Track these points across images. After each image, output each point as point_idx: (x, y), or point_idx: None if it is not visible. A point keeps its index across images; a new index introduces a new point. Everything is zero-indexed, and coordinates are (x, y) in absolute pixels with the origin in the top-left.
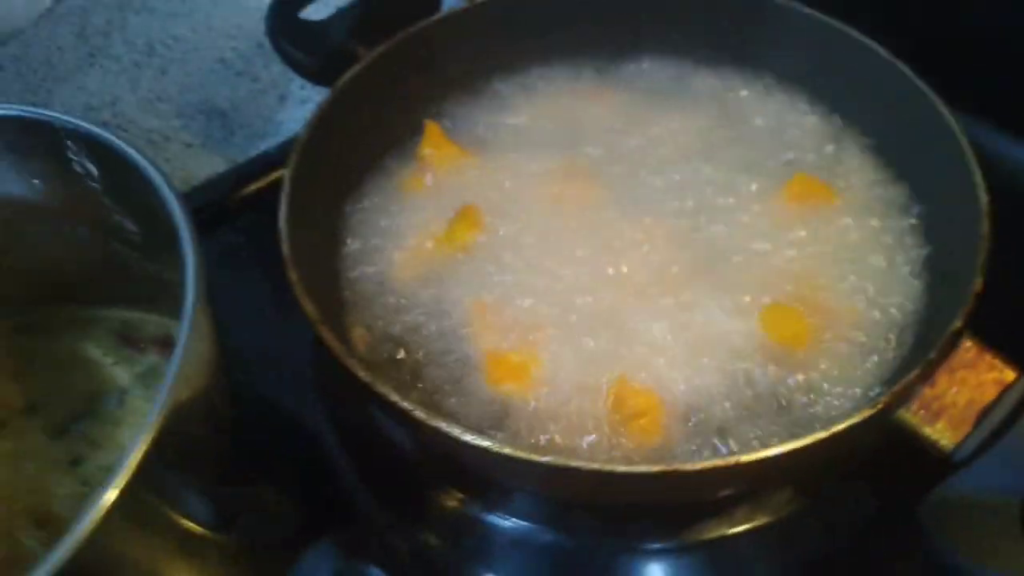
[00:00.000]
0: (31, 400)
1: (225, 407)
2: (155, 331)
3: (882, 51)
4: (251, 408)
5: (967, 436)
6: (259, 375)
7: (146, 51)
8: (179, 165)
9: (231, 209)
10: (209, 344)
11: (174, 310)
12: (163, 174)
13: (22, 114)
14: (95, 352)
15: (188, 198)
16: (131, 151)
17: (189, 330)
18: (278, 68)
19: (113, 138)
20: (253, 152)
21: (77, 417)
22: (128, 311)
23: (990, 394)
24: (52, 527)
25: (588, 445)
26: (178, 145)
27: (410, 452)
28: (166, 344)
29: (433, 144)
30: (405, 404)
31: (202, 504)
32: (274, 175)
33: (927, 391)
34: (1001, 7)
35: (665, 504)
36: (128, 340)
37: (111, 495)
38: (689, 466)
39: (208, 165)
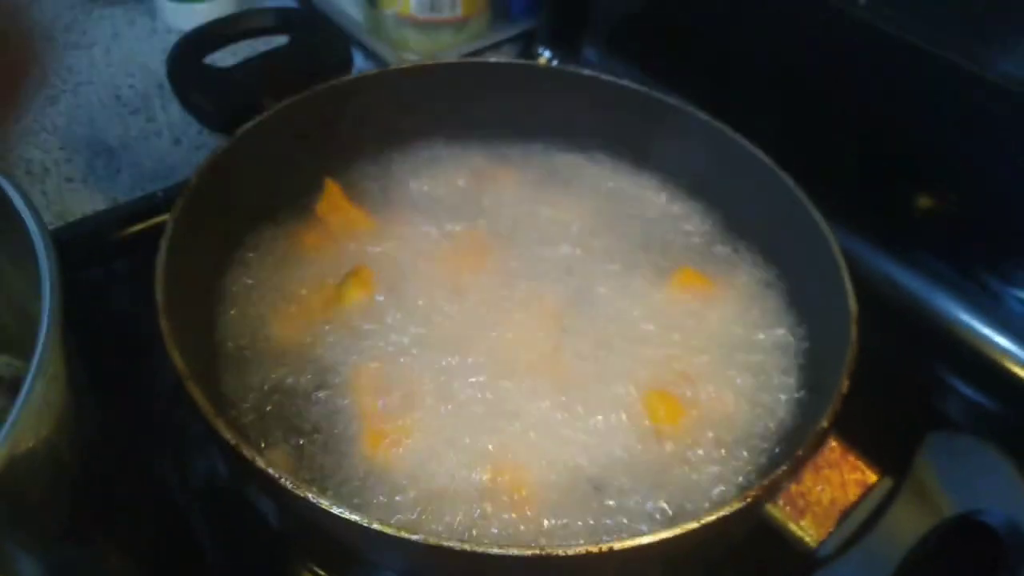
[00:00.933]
0: None
1: (73, 458)
2: (4, 372)
3: (767, 160)
4: (102, 460)
5: (830, 534)
6: (116, 426)
7: (39, 80)
8: (56, 199)
9: (106, 249)
10: (61, 386)
11: (26, 350)
12: (25, 196)
13: None
14: None
15: (58, 232)
16: None
17: (39, 369)
18: (176, 111)
19: None
20: (139, 193)
21: None
22: None
23: (853, 494)
24: None
25: (463, 520)
26: (57, 179)
27: (272, 522)
28: (14, 388)
29: (332, 203)
30: (271, 471)
31: (34, 564)
32: (158, 219)
33: (794, 488)
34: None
35: None
36: None
37: None
38: (562, 551)
39: (88, 202)
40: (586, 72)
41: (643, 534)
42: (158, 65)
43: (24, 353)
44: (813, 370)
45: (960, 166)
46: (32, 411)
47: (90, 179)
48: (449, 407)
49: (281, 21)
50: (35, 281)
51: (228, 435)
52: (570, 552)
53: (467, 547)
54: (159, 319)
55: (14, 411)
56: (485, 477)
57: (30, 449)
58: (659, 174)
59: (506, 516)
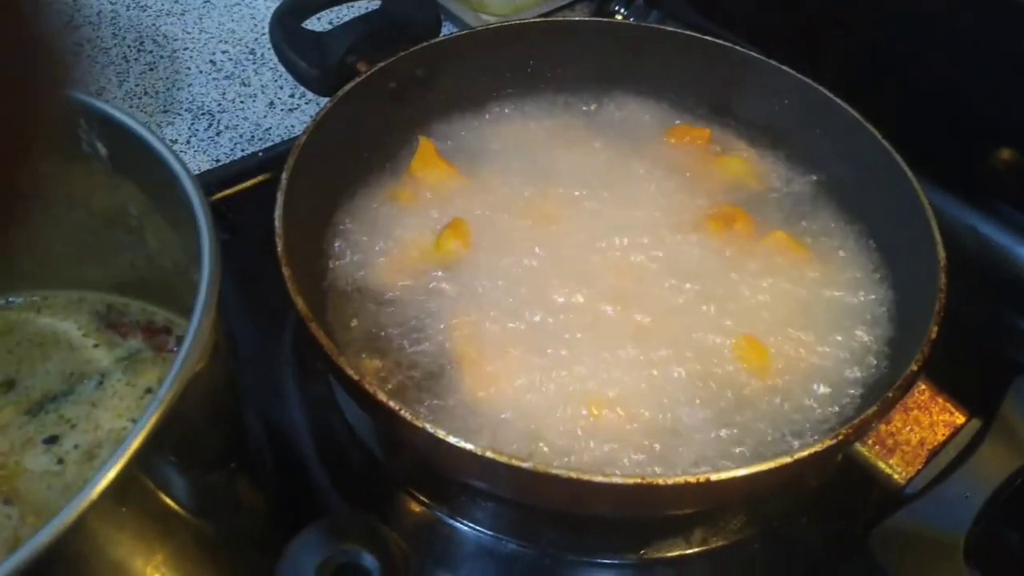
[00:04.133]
0: (8, 376)
1: (219, 389)
2: (139, 316)
3: (854, 113)
4: (236, 393)
5: (918, 472)
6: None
7: (135, 46)
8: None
9: (215, 207)
10: (216, 328)
11: (161, 296)
12: (180, 161)
13: None
14: (77, 334)
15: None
16: (151, 136)
17: (203, 312)
18: (268, 75)
19: (133, 121)
20: (239, 154)
21: (55, 396)
22: (113, 295)
23: (941, 435)
24: (19, 504)
25: (562, 453)
26: None
27: (381, 455)
28: (149, 330)
29: (426, 160)
30: (392, 403)
31: (187, 489)
32: (260, 177)
33: (883, 428)
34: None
35: (633, 517)
36: (112, 324)
37: (110, 475)
38: (662, 480)
39: (192, 163)
40: (667, 28)
41: (737, 467)
42: (247, 31)
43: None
44: (903, 319)
45: None
46: (199, 344)
47: (193, 141)
48: (544, 349)
49: None
50: (172, 231)
51: (350, 371)
52: (669, 481)
53: (574, 475)
54: (281, 267)
55: (183, 348)
56: (582, 412)
57: (192, 380)
58: (744, 130)
59: (604, 448)
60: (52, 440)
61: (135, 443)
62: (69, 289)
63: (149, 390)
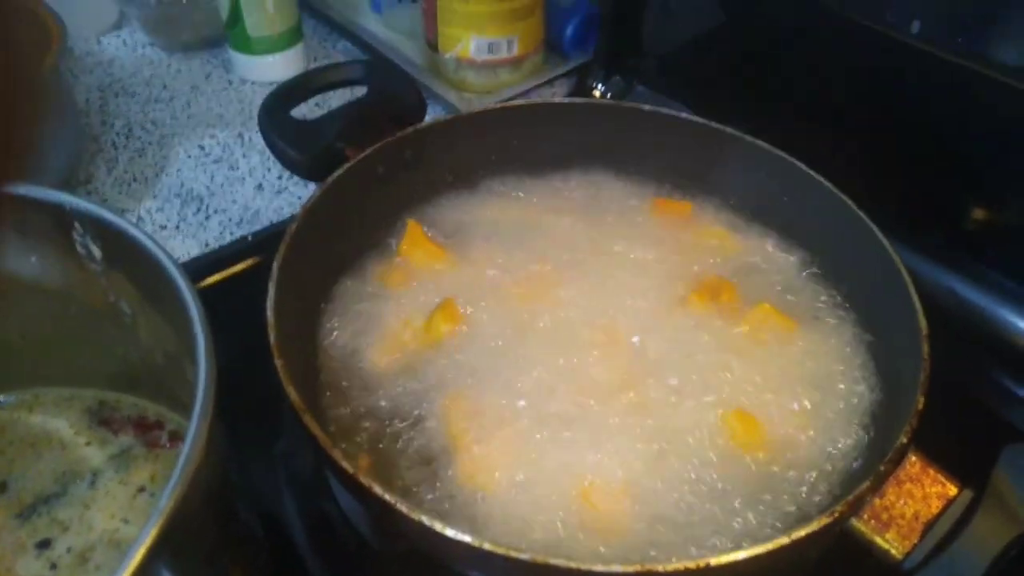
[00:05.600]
0: (1, 477)
1: (222, 490)
2: (131, 412)
3: (826, 183)
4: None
5: (915, 546)
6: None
7: (124, 132)
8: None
9: (204, 293)
10: (214, 424)
11: (152, 390)
12: (176, 264)
13: (35, 195)
14: (69, 432)
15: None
16: (145, 238)
17: (202, 411)
18: (256, 158)
19: (127, 224)
20: (228, 238)
21: (47, 498)
22: (104, 390)
23: (935, 507)
24: None
25: (559, 541)
26: (152, 227)
27: (377, 544)
28: (141, 425)
29: (413, 242)
30: (388, 497)
31: None
32: (250, 261)
33: (878, 502)
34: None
35: None
36: (103, 420)
37: None
38: (662, 567)
39: (182, 248)
40: (647, 107)
41: (736, 550)
42: (234, 115)
43: (148, 394)
44: (890, 387)
45: (1018, 183)
46: (197, 448)
47: (182, 226)
48: (537, 432)
49: (362, 73)
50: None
51: (344, 463)
52: (669, 568)
53: (573, 565)
54: (274, 358)
55: (185, 449)
56: (577, 498)
57: (191, 481)
58: (725, 203)
59: (596, 534)
60: (44, 544)
61: (136, 559)
62: (61, 386)
63: (142, 488)
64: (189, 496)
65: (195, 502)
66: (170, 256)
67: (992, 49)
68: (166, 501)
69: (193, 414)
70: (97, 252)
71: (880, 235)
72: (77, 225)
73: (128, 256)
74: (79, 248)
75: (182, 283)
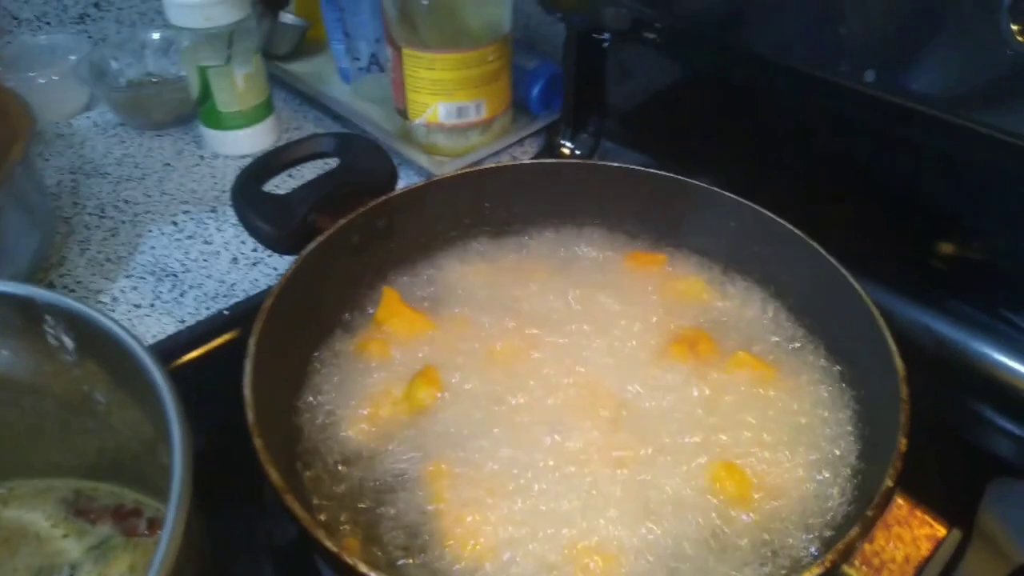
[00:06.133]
0: None
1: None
2: (108, 500)
3: (796, 231)
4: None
5: None
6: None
7: (97, 213)
8: (127, 326)
9: (182, 370)
10: (192, 511)
11: (129, 477)
12: (146, 350)
13: (4, 289)
14: (45, 524)
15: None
16: (115, 327)
17: (179, 500)
18: (230, 231)
19: (96, 314)
20: (204, 313)
21: None
22: (80, 480)
23: (925, 549)
24: None
25: None
26: (126, 307)
27: None
28: (119, 514)
29: (391, 310)
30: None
31: None
32: (228, 336)
33: (868, 547)
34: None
35: None
36: (80, 511)
37: None
38: None
39: (157, 326)
40: (614, 164)
41: None
42: (207, 190)
43: (126, 481)
44: (872, 428)
45: (982, 217)
46: (174, 544)
47: (157, 304)
48: (523, 497)
49: (333, 145)
50: (140, 415)
51: (329, 544)
52: None
53: None
54: (253, 438)
55: (162, 545)
56: (566, 559)
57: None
58: (697, 253)
59: None
60: None
61: None
62: (36, 477)
63: None
64: None
65: None
66: (141, 342)
67: (946, 95)
68: None
69: (170, 504)
70: (69, 343)
71: (851, 278)
72: (48, 318)
73: (99, 344)
74: (51, 340)
75: (154, 369)
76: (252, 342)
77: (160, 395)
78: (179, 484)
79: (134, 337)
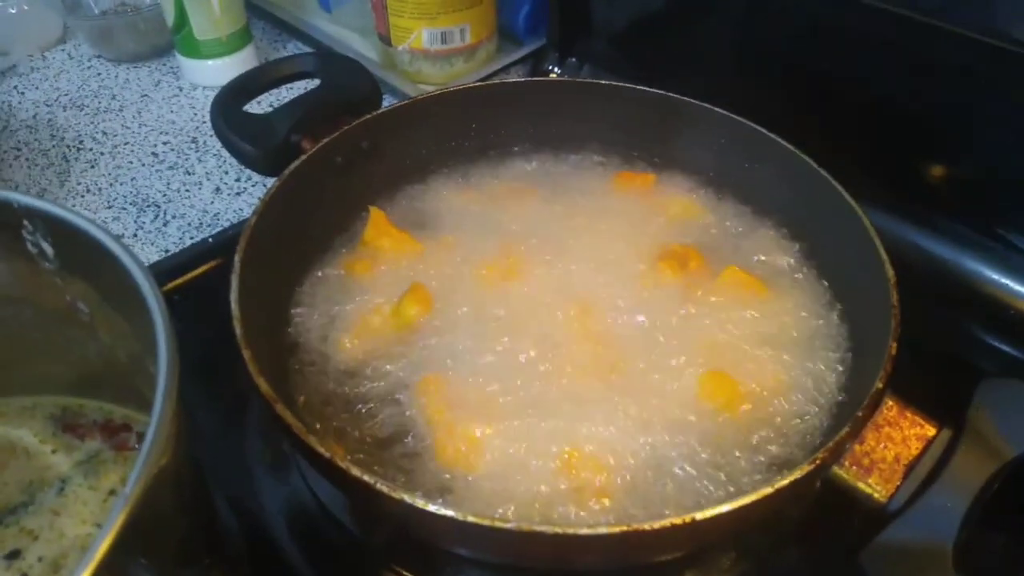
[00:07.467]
0: None
1: (193, 486)
2: (96, 416)
3: (788, 145)
4: (203, 483)
5: (898, 488)
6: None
7: (75, 145)
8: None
9: (168, 296)
10: (178, 420)
11: (118, 393)
12: (131, 253)
13: None
14: (33, 440)
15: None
16: (98, 231)
17: (163, 406)
18: (212, 161)
19: (78, 218)
20: (189, 242)
21: (14, 508)
22: (67, 396)
23: (915, 448)
24: None
25: (542, 510)
26: None
27: (357, 532)
28: (108, 429)
29: (378, 230)
30: (367, 477)
31: None
32: (213, 262)
33: (858, 448)
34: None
35: (623, 568)
36: (68, 426)
37: None
38: (648, 525)
39: (141, 255)
40: (603, 82)
41: (720, 503)
42: (187, 121)
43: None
44: (862, 338)
45: (970, 130)
46: (159, 442)
47: (140, 234)
48: (513, 406)
49: (314, 64)
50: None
51: (320, 448)
52: (656, 525)
53: (559, 530)
54: (241, 349)
55: (145, 446)
56: (558, 468)
57: (157, 477)
58: (686, 171)
59: (584, 500)
60: (14, 555)
61: (100, 550)
62: (21, 395)
63: (113, 492)
64: (154, 492)
65: (161, 498)
66: (123, 245)
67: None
68: (127, 495)
69: (155, 406)
70: (49, 250)
71: (842, 190)
72: (26, 223)
73: (81, 252)
74: (30, 247)
75: (138, 272)
76: (238, 259)
77: (145, 299)
78: (165, 381)
79: (116, 239)
